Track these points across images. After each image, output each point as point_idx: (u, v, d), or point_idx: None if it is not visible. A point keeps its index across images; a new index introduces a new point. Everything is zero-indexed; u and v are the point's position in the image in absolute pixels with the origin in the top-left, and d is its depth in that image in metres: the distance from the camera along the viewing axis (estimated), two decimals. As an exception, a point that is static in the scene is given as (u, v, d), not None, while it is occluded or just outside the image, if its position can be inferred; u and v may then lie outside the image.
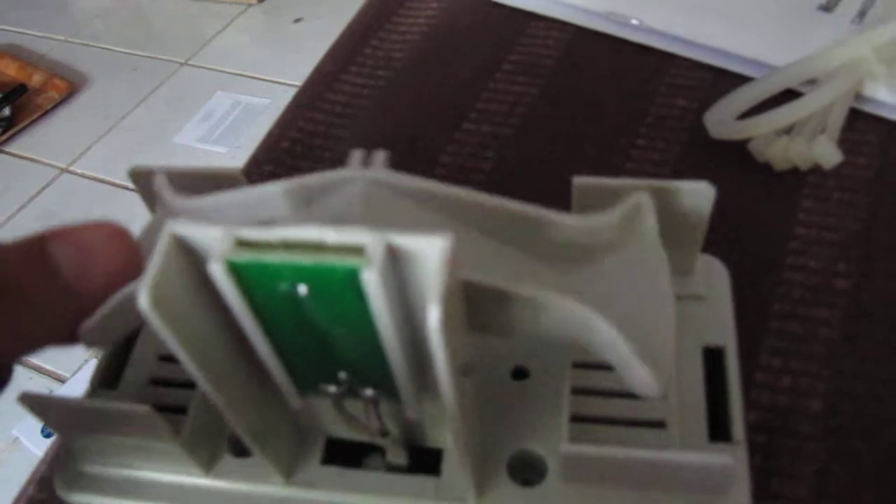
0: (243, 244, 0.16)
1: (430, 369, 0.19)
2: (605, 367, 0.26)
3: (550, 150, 0.36)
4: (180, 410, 0.24)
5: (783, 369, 0.28)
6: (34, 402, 0.22)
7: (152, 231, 0.25)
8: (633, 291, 0.20)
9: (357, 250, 0.16)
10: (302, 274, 0.16)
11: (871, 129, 0.35)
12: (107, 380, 0.27)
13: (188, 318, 0.17)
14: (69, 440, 0.25)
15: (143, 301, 0.16)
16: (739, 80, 0.38)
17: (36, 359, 1.23)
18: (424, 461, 0.24)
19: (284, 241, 0.16)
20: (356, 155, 0.22)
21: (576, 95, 0.38)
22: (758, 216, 0.33)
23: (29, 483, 0.29)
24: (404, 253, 0.16)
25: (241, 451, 0.24)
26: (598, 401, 0.25)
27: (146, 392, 0.26)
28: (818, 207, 0.33)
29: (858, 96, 0.36)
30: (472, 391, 0.22)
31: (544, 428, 0.24)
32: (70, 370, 1.20)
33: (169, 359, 0.27)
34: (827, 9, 0.40)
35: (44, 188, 1.56)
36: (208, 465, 0.24)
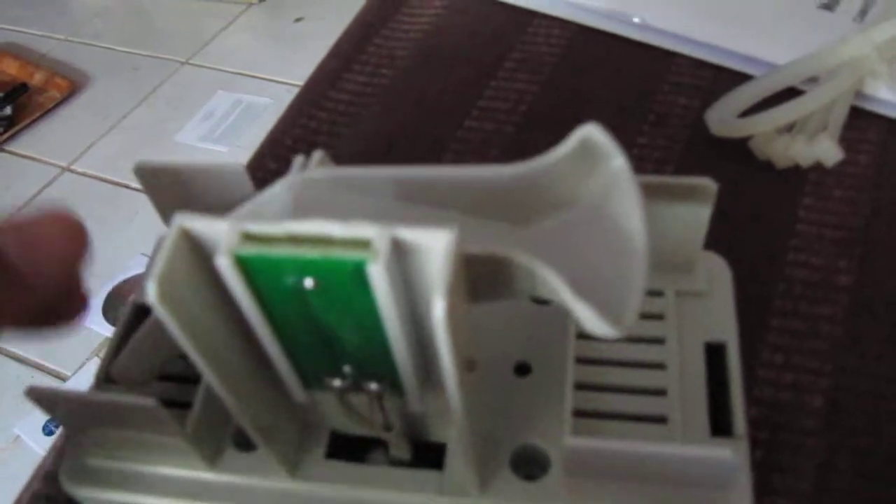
0: (250, 238, 0.16)
1: (434, 363, 0.19)
2: (608, 363, 0.26)
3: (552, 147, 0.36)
4: (185, 405, 0.25)
5: (785, 365, 0.28)
6: (41, 396, 0.22)
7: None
8: (594, 239, 0.20)
9: (363, 244, 0.16)
10: (308, 267, 0.16)
11: (872, 127, 0.36)
12: (111, 375, 0.27)
13: (195, 312, 0.17)
14: (75, 434, 0.25)
15: (151, 294, 0.16)
16: (741, 78, 0.38)
17: (37, 357, 1.23)
18: (428, 455, 0.24)
19: (290, 234, 0.16)
20: (297, 161, 0.23)
21: (577, 93, 0.39)
22: (760, 213, 0.33)
23: (34, 478, 0.29)
24: (409, 246, 0.16)
25: (245, 445, 0.25)
26: (601, 396, 0.25)
27: (151, 387, 0.26)
28: (819, 205, 0.33)
29: (859, 94, 0.36)
30: (476, 386, 0.23)
31: (547, 422, 0.24)
32: (71, 368, 1.20)
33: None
34: (828, 7, 0.40)
35: (45, 187, 1.56)
36: (213, 458, 0.24)
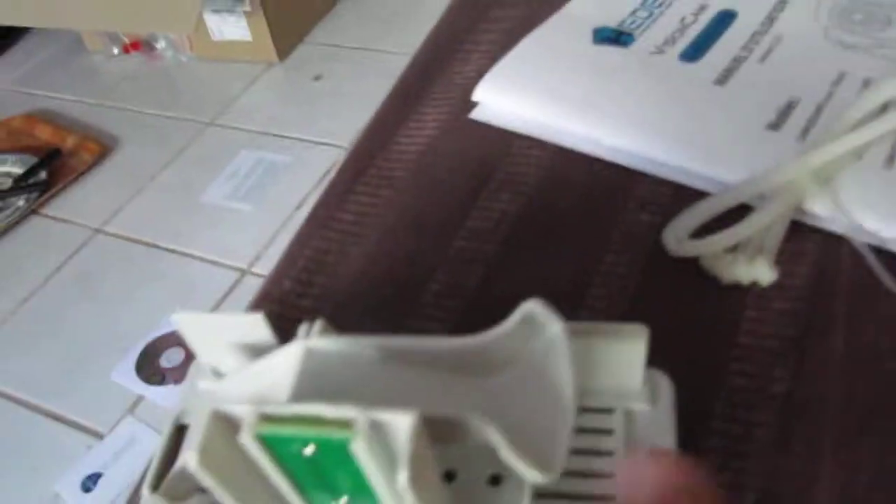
0: (266, 418, 0.22)
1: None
2: (567, 474, 0.31)
3: (530, 264, 0.41)
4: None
5: (722, 467, 0.33)
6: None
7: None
8: (533, 394, 0.25)
9: (348, 424, 0.21)
10: (309, 440, 0.22)
11: (810, 240, 0.41)
12: (158, 484, 0.32)
13: (227, 469, 0.23)
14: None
15: (193, 462, 0.22)
16: (699, 194, 0.43)
17: (74, 415, 1.29)
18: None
19: (295, 415, 0.22)
20: (302, 328, 0.29)
21: (553, 211, 0.44)
22: (707, 326, 0.38)
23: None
24: (383, 422, 0.22)
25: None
26: (558, 503, 0.30)
27: (192, 498, 0.32)
28: (760, 316, 0.38)
29: (799, 209, 0.41)
30: (453, 495, 0.28)
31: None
32: (107, 426, 1.26)
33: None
34: (774, 127, 0.45)
35: (78, 249, 1.63)
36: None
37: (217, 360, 0.33)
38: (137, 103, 2.01)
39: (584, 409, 0.31)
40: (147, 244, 1.61)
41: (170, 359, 1.36)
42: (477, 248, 0.43)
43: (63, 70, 2.18)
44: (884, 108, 0.44)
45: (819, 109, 0.46)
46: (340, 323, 0.32)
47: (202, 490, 0.32)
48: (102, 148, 1.84)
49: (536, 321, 0.25)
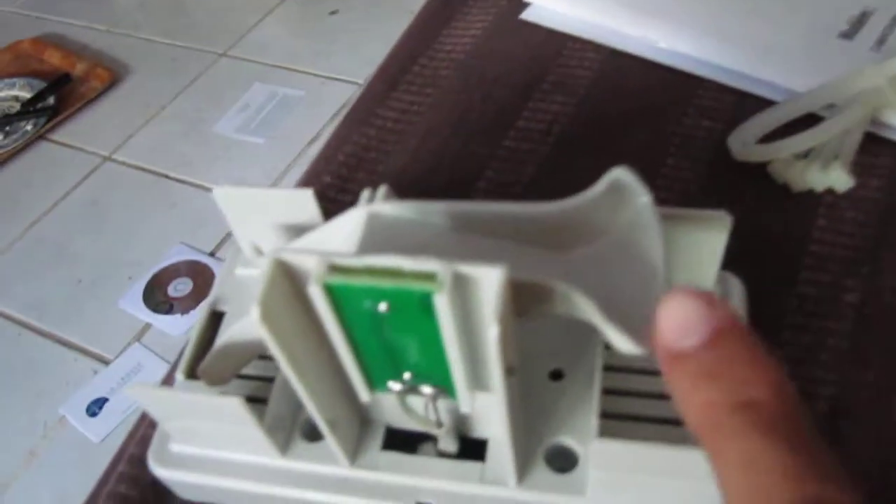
0: (335, 269, 0.20)
1: (482, 371, 0.22)
2: (633, 370, 0.29)
3: (585, 167, 0.39)
4: (259, 400, 0.28)
5: (792, 375, 0.31)
6: (143, 393, 0.26)
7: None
8: (621, 267, 0.23)
9: (429, 276, 0.19)
10: (383, 295, 0.20)
11: (886, 153, 0.38)
12: (193, 371, 0.30)
13: (287, 327, 0.21)
14: (163, 423, 0.29)
15: (255, 315, 0.20)
16: (763, 102, 0.41)
17: (81, 340, 1.28)
18: (472, 449, 0.27)
19: (369, 266, 0.20)
20: (364, 194, 0.27)
21: (609, 115, 0.41)
22: (776, 234, 0.35)
23: (118, 459, 0.33)
24: (468, 278, 0.20)
25: (312, 436, 0.28)
26: (626, 400, 0.28)
27: (230, 384, 0.30)
28: (832, 226, 0.35)
29: (875, 121, 0.39)
30: (515, 390, 0.26)
31: (577, 423, 0.27)
32: (114, 352, 1.25)
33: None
34: (847, 36, 0.42)
35: (87, 176, 1.61)
36: (284, 448, 0.28)
37: (258, 238, 0.31)
38: (149, 32, 1.97)
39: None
40: (157, 174, 1.58)
41: (177, 288, 1.35)
42: (528, 149, 0.40)
43: (75, -5, 2.13)
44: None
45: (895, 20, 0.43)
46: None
47: (238, 377, 0.31)
48: (113, 75, 1.80)
49: (624, 190, 0.23)
